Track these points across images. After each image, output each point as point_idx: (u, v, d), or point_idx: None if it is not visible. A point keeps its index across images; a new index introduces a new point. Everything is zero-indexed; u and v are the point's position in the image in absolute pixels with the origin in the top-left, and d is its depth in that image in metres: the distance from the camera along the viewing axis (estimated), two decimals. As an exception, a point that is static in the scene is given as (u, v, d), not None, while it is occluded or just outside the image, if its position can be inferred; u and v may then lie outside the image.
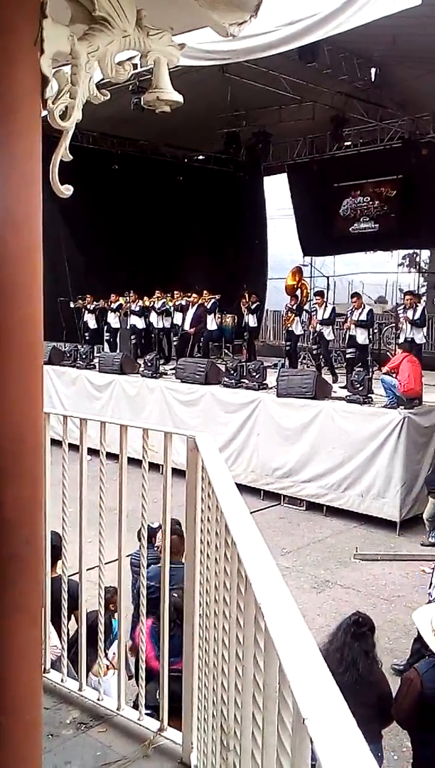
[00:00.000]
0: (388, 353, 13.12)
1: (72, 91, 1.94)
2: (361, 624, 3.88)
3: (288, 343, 14.20)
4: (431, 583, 5.44)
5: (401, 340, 12.25)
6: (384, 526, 9.62)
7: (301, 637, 1.11)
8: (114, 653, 3.23)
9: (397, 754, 4.59)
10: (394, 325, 13.48)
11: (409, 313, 12.19)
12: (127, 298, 15.65)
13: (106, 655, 3.38)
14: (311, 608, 7.04)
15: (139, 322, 15.70)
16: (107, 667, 3.23)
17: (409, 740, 3.93)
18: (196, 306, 14.57)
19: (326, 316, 13.00)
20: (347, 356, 12.91)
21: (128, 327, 16.01)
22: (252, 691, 1.36)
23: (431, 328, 17.47)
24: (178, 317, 14.98)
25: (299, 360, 14.25)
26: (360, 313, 12.29)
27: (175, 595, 2.86)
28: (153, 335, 15.72)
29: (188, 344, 15.02)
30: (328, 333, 13.09)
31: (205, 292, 14.96)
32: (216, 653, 1.93)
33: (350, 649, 3.77)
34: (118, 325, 16.18)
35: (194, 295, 14.84)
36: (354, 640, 3.82)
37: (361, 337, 12.35)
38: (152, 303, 15.38)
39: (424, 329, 12.67)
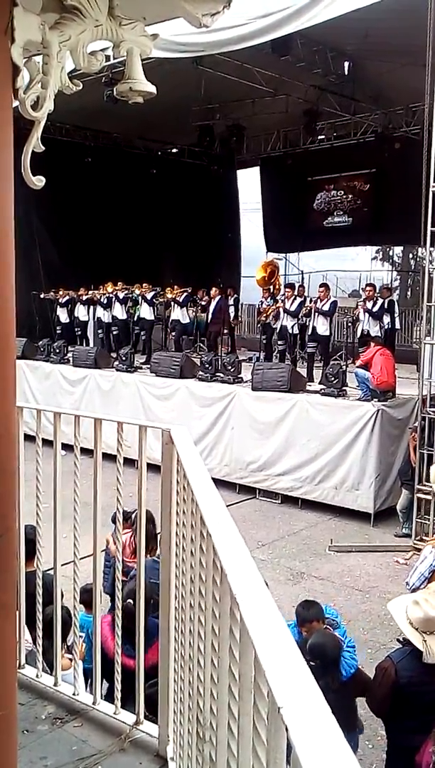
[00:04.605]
0: (354, 346, 13.23)
1: (43, 81, 1.92)
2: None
3: (264, 337, 14.13)
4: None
5: (359, 331, 12.54)
6: (358, 518, 9.71)
7: (276, 627, 1.12)
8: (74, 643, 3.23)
9: (371, 743, 4.64)
10: (352, 315, 13.57)
11: (368, 305, 12.34)
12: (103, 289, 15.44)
13: (68, 648, 3.38)
14: (287, 600, 7.07)
15: (105, 315, 15.60)
16: (70, 660, 3.22)
17: (383, 729, 3.97)
18: (216, 300, 14.39)
19: (294, 308, 13.02)
20: (308, 350, 12.93)
21: (95, 320, 15.93)
22: (228, 681, 1.37)
23: (404, 321, 17.67)
24: (177, 312, 14.79)
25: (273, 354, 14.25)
26: (324, 303, 12.34)
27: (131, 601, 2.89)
28: (129, 328, 15.58)
29: (216, 339, 14.84)
30: (292, 325, 13.10)
31: (175, 286, 14.89)
32: (192, 645, 1.94)
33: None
34: (86, 318, 16.10)
35: (214, 289, 14.69)
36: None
37: (322, 327, 12.38)
38: (115, 293, 15.23)
39: (386, 321, 12.80)
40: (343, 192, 18.81)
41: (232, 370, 11.66)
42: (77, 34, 1.96)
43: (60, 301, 16.22)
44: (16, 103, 1.87)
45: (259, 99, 15.66)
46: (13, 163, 1.81)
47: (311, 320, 12.58)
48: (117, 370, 13.21)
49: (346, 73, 13.84)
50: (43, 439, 2.95)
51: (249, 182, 21.76)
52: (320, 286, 13.19)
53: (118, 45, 2.10)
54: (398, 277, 24.98)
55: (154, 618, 2.84)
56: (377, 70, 13.76)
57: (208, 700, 1.62)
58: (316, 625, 4.01)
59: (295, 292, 13.59)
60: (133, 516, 3.44)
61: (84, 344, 15.79)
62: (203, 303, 15.11)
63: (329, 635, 3.90)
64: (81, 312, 16.15)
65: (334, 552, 8.69)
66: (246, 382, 11.36)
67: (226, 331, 15.52)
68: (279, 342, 13.42)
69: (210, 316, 14.46)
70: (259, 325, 15.18)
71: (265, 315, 13.61)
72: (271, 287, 13.92)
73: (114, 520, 4.06)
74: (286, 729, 0.88)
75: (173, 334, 15.09)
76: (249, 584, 1.27)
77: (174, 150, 20.54)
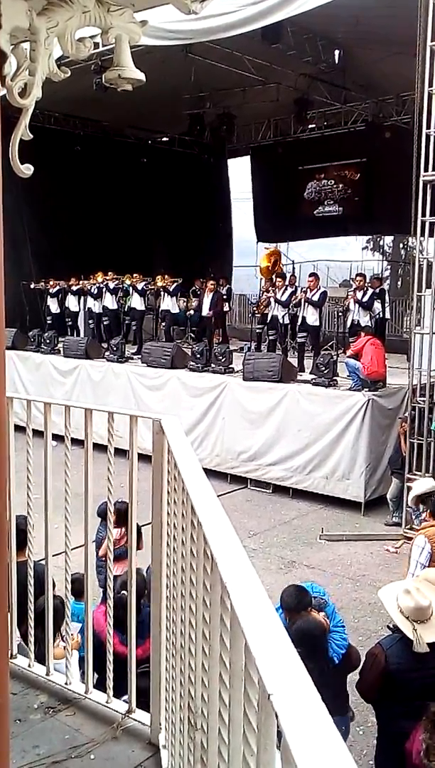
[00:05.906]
0: (344, 336, 13.21)
1: (31, 67, 1.90)
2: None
3: (262, 327, 13.89)
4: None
5: (349, 321, 12.54)
6: (349, 507, 9.75)
7: (266, 614, 1.12)
8: (71, 633, 3.23)
9: (362, 729, 4.68)
10: (342, 305, 13.53)
11: (359, 294, 12.35)
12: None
13: (62, 637, 3.38)
14: (278, 589, 7.05)
15: (96, 305, 15.52)
16: (64, 648, 3.23)
17: (374, 715, 4.00)
18: (212, 292, 14.34)
19: (285, 298, 12.98)
20: (298, 340, 12.93)
21: (86, 310, 15.88)
22: (218, 669, 1.37)
23: (394, 311, 17.69)
24: (167, 302, 14.70)
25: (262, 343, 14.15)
26: (313, 294, 12.34)
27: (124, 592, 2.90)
28: (120, 318, 15.49)
29: (211, 330, 14.69)
30: (283, 315, 13.04)
31: (166, 275, 14.82)
32: (183, 634, 1.94)
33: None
34: (77, 309, 16.04)
35: (211, 282, 14.64)
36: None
37: (312, 317, 12.39)
38: (105, 283, 15.14)
39: (377, 310, 12.80)
40: (333, 181, 18.75)
41: (223, 360, 11.65)
42: (65, 20, 1.94)
43: (50, 291, 16.14)
44: (3, 91, 1.85)
45: (250, 87, 15.57)
46: (1, 152, 1.80)
47: (301, 310, 12.57)
48: (108, 360, 13.18)
49: (337, 61, 13.77)
50: (34, 430, 2.94)
51: (240, 171, 21.68)
52: (309, 275, 13.11)
53: (106, 31, 2.08)
54: (389, 267, 24.93)
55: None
56: (368, 58, 13.70)
57: (199, 688, 1.63)
58: (300, 615, 3.91)
59: (286, 282, 13.55)
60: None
61: (75, 335, 15.72)
62: (195, 288, 14.97)
63: (314, 621, 3.84)
64: (71, 302, 16.09)
65: (325, 541, 8.73)
66: (237, 372, 11.36)
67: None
68: (269, 332, 13.39)
69: (206, 311, 14.33)
70: (251, 315, 15.05)
71: (263, 305, 13.52)
72: (273, 277, 13.81)
73: (100, 514, 4.02)
74: (277, 716, 0.89)
75: (164, 324, 15.04)
76: (239, 573, 1.28)
77: (164, 139, 20.39)
